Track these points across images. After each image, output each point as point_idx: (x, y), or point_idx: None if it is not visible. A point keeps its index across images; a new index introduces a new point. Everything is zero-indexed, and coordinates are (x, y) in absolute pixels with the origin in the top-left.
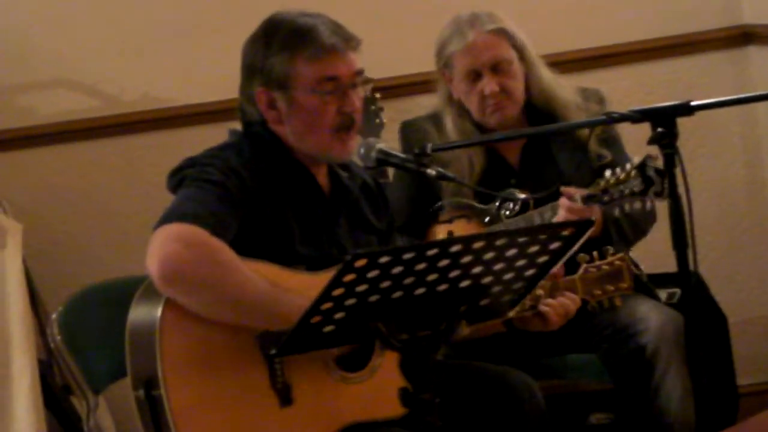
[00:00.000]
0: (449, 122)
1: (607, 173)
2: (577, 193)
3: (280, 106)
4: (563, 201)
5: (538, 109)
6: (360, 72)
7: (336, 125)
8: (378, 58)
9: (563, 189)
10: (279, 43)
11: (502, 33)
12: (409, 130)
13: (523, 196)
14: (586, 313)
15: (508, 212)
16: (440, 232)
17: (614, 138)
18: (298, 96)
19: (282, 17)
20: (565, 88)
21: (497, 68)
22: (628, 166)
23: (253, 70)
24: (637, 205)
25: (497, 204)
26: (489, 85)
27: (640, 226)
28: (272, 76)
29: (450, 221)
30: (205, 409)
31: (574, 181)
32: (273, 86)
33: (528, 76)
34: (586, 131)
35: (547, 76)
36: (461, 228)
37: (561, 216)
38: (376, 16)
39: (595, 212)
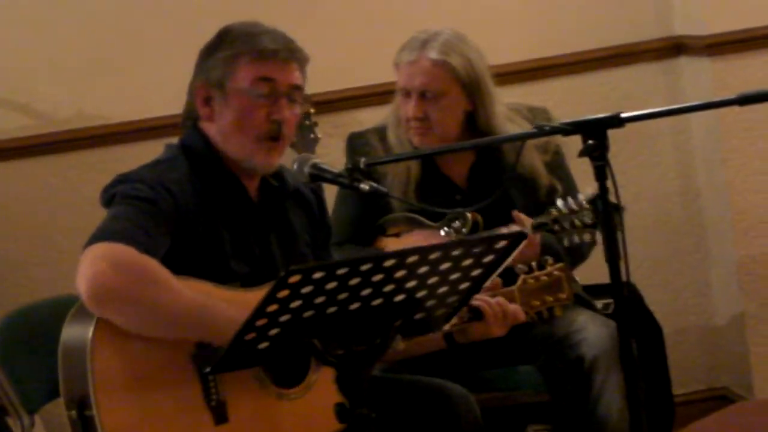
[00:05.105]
0: (391, 129)
1: (559, 202)
2: (528, 220)
3: (214, 104)
4: (514, 227)
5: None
6: (298, 87)
7: (262, 132)
8: (313, 72)
9: (515, 214)
10: (226, 43)
11: (445, 65)
12: (355, 142)
13: (469, 215)
14: (525, 324)
15: (455, 231)
16: (388, 246)
17: (561, 164)
18: (232, 94)
19: (236, 24)
20: (517, 123)
21: (425, 96)
22: (580, 196)
23: (199, 66)
24: (587, 237)
25: (446, 223)
26: (411, 109)
27: (582, 255)
28: (213, 73)
29: (398, 235)
30: (138, 429)
31: (521, 208)
32: (212, 83)
33: (476, 110)
34: (538, 170)
35: (500, 112)
36: (410, 242)
37: None
38: (313, 30)
39: (535, 239)
